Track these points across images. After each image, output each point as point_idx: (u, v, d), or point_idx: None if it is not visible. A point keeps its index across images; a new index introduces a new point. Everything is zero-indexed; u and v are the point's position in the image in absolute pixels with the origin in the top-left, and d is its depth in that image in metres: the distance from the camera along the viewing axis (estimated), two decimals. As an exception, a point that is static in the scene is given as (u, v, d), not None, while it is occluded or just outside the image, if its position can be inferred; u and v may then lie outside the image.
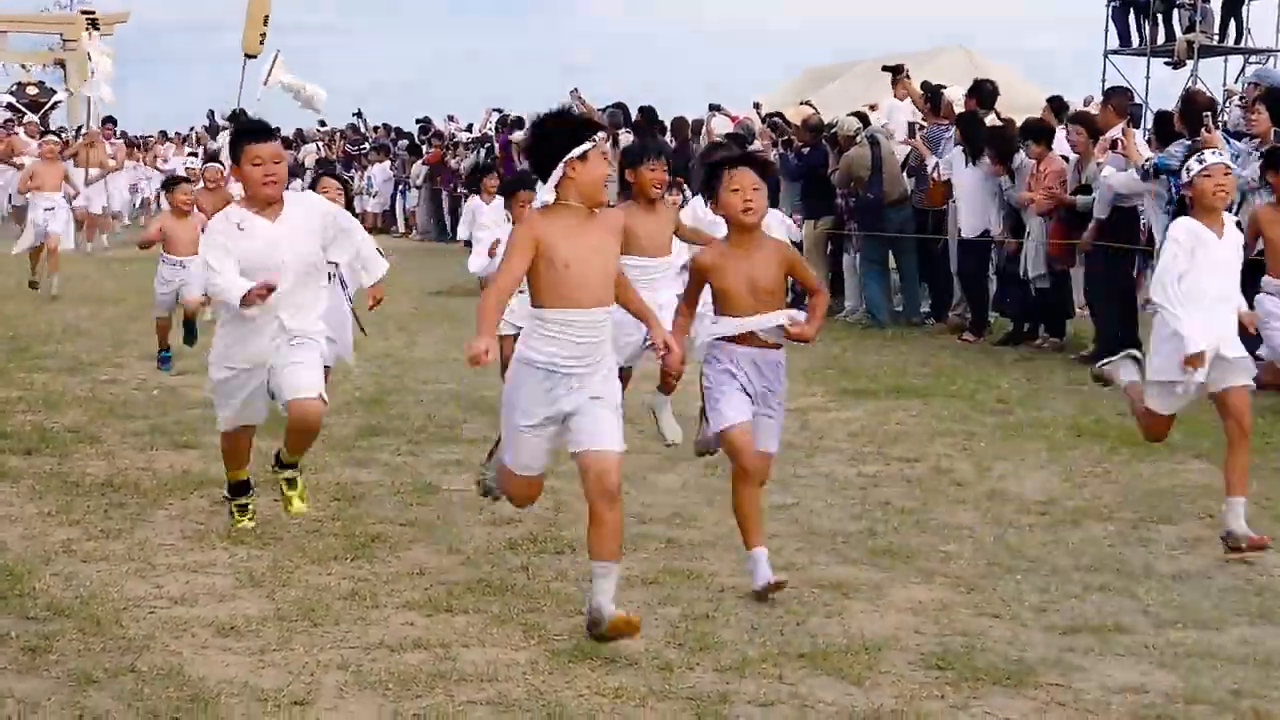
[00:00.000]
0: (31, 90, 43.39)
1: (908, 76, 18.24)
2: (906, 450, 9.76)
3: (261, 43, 24.18)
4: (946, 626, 6.15)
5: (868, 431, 10.43)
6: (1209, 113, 12.52)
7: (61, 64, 42.74)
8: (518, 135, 26.99)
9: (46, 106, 42.72)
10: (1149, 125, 15.77)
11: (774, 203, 18.64)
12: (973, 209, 15.50)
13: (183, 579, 6.62)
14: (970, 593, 6.62)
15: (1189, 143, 12.57)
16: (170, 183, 14.32)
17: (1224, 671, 5.63)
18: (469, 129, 31.83)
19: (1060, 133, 15.06)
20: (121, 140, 35.96)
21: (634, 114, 22.64)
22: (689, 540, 7.45)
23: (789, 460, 9.33)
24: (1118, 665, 5.70)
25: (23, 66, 46.55)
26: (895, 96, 19.22)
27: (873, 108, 18.54)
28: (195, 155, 31.55)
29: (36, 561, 6.80)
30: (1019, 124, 15.82)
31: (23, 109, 38.07)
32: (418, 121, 35.86)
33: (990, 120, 15.81)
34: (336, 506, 7.99)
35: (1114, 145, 13.87)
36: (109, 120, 35.43)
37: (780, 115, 20.72)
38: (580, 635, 5.89)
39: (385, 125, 37.69)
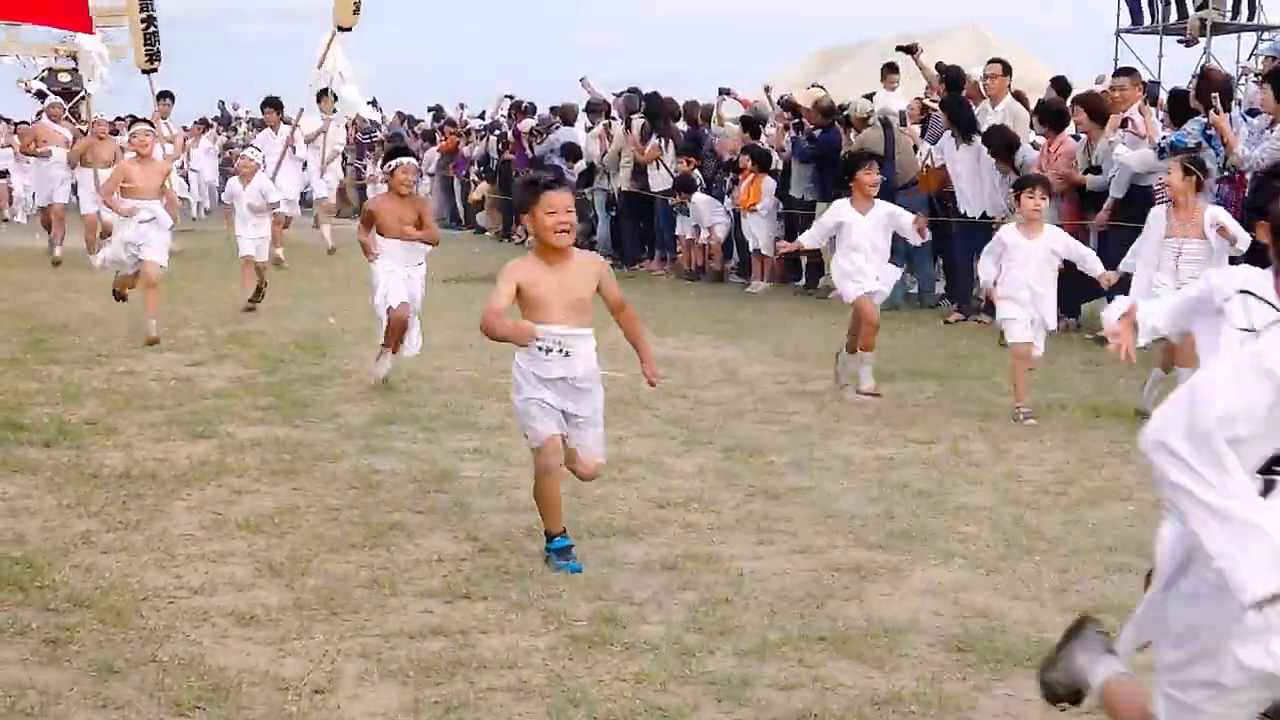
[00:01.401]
0: (64, 77, 39.87)
1: (922, 53, 18.19)
2: (923, 432, 9.75)
3: (356, 13, 22.58)
4: (966, 608, 6.14)
5: (884, 414, 10.43)
6: (1218, 93, 12.48)
7: (73, 56, 42.52)
8: (527, 123, 27.00)
9: (80, 95, 40.91)
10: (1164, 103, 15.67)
11: (784, 185, 18.74)
12: (972, 191, 15.48)
13: (202, 569, 6.63)
14: (989, 574, 6.62)
15: (1205, 120, 12.56)
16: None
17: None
18: (481, 116, 31.79)
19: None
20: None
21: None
22: (707, 525, 7.45)
23: (805, 443, 9.35)
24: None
25: (56, 53, 44.85)
26: (885, 87, 19.26)
27: (869, 96, 18.48)
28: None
29: (56, 553, 6.81)
30: (1031, 104, 15.80)
31: (54, 96, 35.53)
32: (430, 109, 35.84)
33: (1008, 103, 15.74)
34: (354, 495, 7.99)
35: (1124, 124, 13.84)
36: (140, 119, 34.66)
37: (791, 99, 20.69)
38: (600, 621, 5.90)
39: (400, 114, 37.65)
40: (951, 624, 5.94)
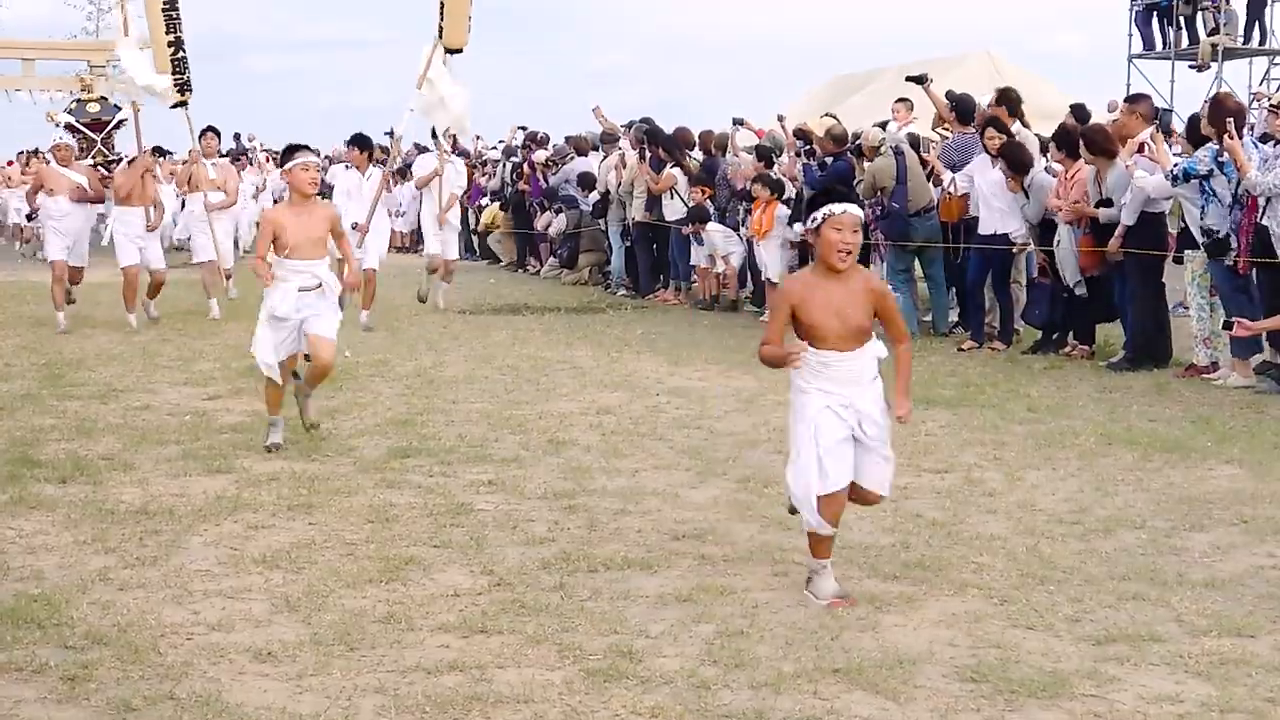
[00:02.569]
0: (93, 108, 37.47)
1: (932, 83, 18.23)
2: (937, 461, 9.76)
3: (468, 32, 18.91)
4: (980, 639, 6.15)
5: (897, 443, 10.32)
6: (1231, 118, 12.51)
7: (88, 90, 42.46)
8: (541, 154, 27.09)
9: (110, 125, 36.58)
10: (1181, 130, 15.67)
11: (798, 213, 18.74)
12: (994, 210, 15.50)
13: (219, 605, 6.65)
14: (1004, 604, 6.63)
15: (1217, 147, 12.59)
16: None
17: (1259, 680, 5.62)
18: (496, 147, 31.88)
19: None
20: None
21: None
22: (722, 556, 7.47)
23: (820, 474, 9.34)
24: (1152, 675, 5.69)
25: (83, 84, 42.35)
26: (896, 119, 19.30)
27: (883, 125, 18.51)
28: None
29: (73, 590, 6.84)
30: (1047, 132, 15.84)
31: (83, 130, 34.06)
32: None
33: (1017, 129, 15.79)
34: (370, 529, 8.02)
35: (1140, 149, 13.87)
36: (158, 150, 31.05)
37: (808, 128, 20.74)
38: (615, 655, 5.91)
39: (417, 145, 37.79)
40: (966, 655, 5.95)
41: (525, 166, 27.86)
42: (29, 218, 30.45)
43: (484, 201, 30.63)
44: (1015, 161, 14.98)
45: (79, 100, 37.67)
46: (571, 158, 25.87)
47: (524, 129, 29.94)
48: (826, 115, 21.41)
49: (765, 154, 20.02)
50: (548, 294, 23.08)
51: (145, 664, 5.83)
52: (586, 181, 24.52)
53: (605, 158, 24.28)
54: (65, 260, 18.33)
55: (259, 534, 7.91)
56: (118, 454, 10.07)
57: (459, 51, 18.86)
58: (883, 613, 6.51)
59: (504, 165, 29.39)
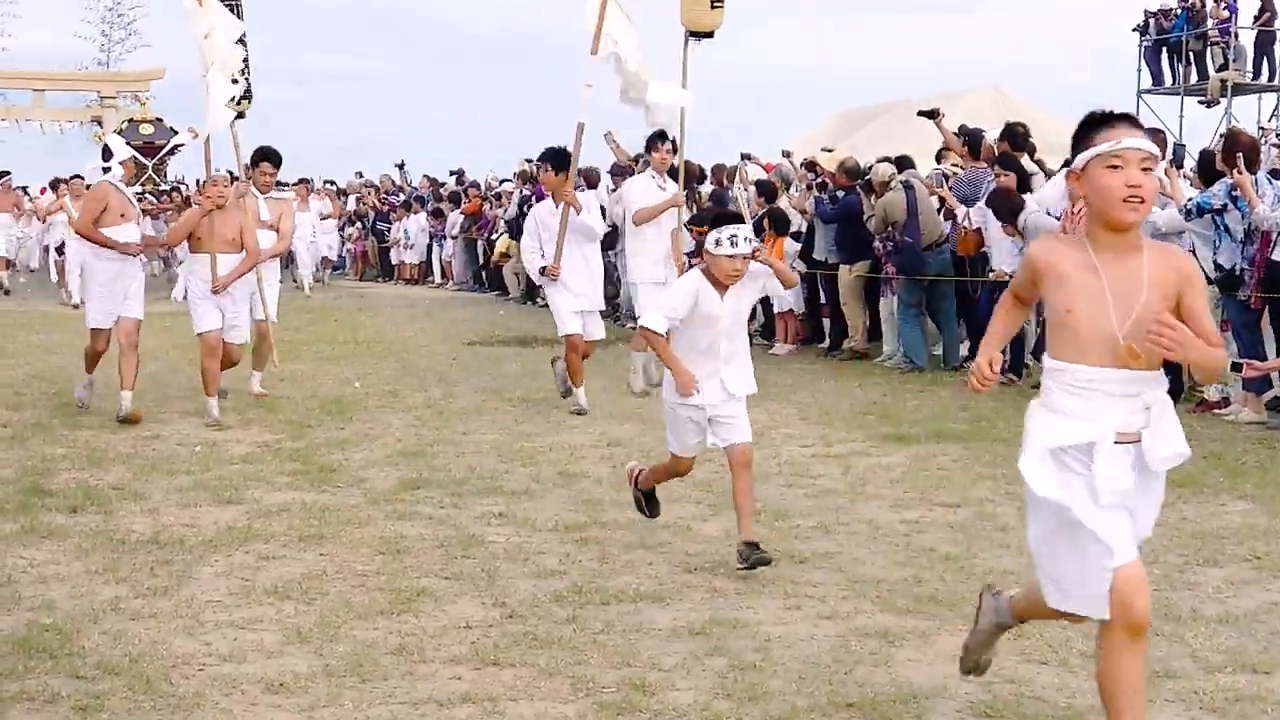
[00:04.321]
0: (146, 129, 34.88)
1: (943, 118, 18.25)
2: (949, 495, 9.74)
3: (716, 5, 13.77)
4: (994, 674, 6.11)
5: (909, 477, 10.42)
6: (1241, 153, 12.52)
7: (98, 121, 42.43)
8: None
9: (164, 151, 34.75)
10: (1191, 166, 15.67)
11: (809, 247, 18.78)
12: (1003, 246, 15.50)
13: (231, 636, 6.64)
14: (1017, 638, 6.59)
15: (1230, 181, 12.60)
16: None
17: (1274, 716, 5.60)
18: (510, 179, 31.88)
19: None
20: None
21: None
22: (734, 589, 7.45)
23: (831, 507, 9.35)
24: (1167, 711, 5.67)
25: (139, 102, 39.82)
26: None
27: (898, 162, 18.39)
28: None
29: (85, 620, 6.84)
30: (1055, 165, 15.83)
31: (134, 154, 32.21)
32: (452, 173, 36.07)
33: (1025, 163, 15.80)
34: (381, 560, 8.01)
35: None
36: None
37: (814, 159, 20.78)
38: (628, 688, 5.89)
39: (427, 176, 37.90)
40: (979, 690, 5.92)
41: (534, 198, 27.84)
42: (60, 250, 28.00)
43: (497, 234, 30.56)
44: (1003, 209, 14.97)
45: (130, 120, 35.77)
46: (581, 188, 25.89)
47: (530, 161, 29.96)
48: (824, 150, 21.48)
49: (767, 189, 20.02)
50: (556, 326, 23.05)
51: (157, 695, 5.83)
52: (595, 213, 24.51)
53: (615, 189, 24.28)
54: (109, 328, 13.38)
55: (270, 565, 7.91)
56: (128, 483, 10.07)
57: (708, 36, 14.10)
58: (896, 647, 6.49)
59: (519, 191, 29.32)
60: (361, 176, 41.06)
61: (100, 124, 41.66)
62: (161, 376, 15.85)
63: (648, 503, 8.67)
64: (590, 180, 25.97)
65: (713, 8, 14.03)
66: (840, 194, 18.09)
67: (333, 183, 38.92)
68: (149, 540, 8.44)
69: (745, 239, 7.70)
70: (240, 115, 14.82)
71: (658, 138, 14.73)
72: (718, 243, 7.65)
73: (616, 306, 24.31)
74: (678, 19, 14.06)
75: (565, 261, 13.66)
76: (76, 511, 9.19)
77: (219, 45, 13.77)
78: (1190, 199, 13.02)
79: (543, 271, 13.76)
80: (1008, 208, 14.98)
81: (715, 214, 8.30)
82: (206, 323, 12.96)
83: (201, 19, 13.65)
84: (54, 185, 32.01)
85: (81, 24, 64.38)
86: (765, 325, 20.45)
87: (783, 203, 19.70)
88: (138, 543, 8.38)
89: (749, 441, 8.06)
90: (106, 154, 13.27)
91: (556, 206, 13.77)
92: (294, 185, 31.70)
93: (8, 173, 31.70)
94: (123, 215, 13.22)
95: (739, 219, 7.95)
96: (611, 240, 23.88)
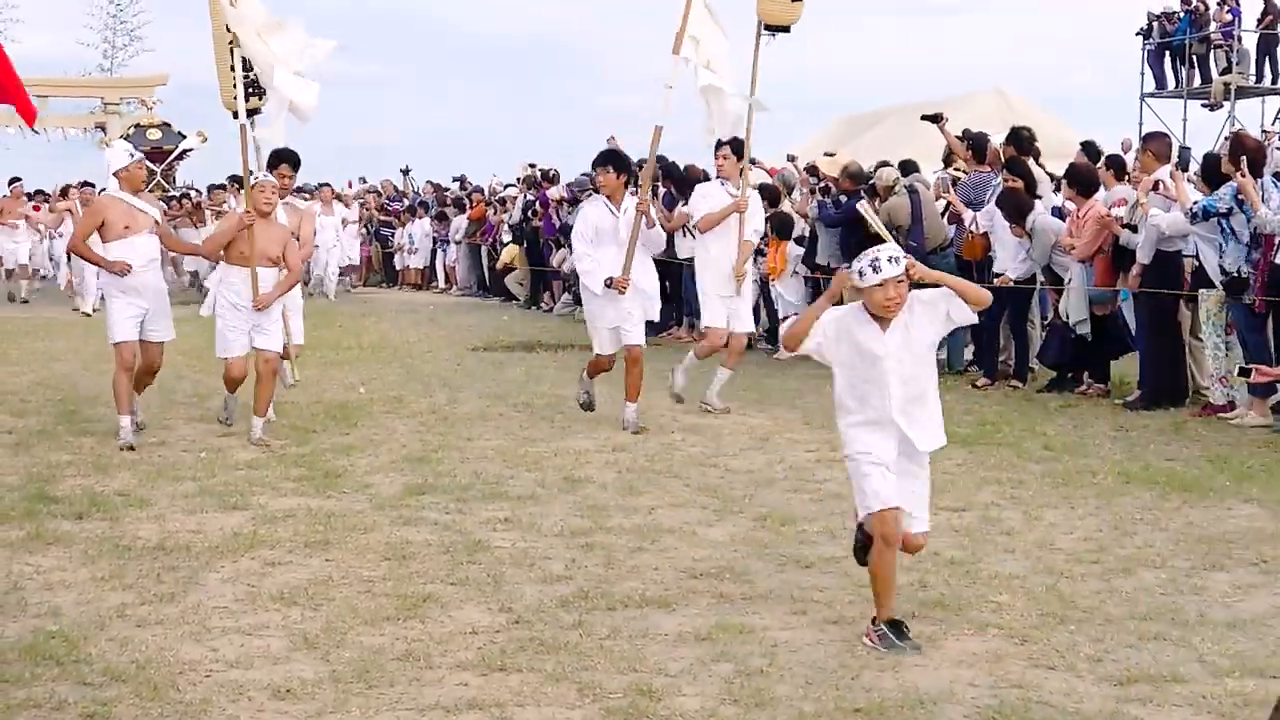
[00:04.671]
0: (153, 135, 33.17)
1: (947, 122, 18.24)
2: (954, 500, 9.73)
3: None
4: (1001, 679, 6.12)
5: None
6: (1245, 156, 12.52)
7: (102, 128, 42.33)
8: (555, 191, 27.11)
9: (173, 156, 33.32)
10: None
11: (812, 251, 18.76)
12: (1008, 250, 15.51)
13: (237, 642, 6.64)
14: (1024, 644, 6.60)
15: (1236, 185, 12.59)
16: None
17: (1283, 720, 5.59)
18: (514, 184, 31.87)
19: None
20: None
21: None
22: (740, 595, 7.45)
23: (837, 512, 9.33)
24: (1175, 716, 5.67)
25: (145, 107, 37.29)
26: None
27: (902, 166, 18.32)
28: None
29: (91, 627, 6.84)
30: (1058, 169, 15.86)
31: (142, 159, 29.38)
32: (455, 179, 36.09)
33: (1032, 167, 15.80)
34: (387, 566, 8.01)
35: (1156, 187, 13.88)
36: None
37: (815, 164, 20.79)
38: (635, 694, 5.89)
39: (431, 182, 37.89)
40: (986, 695, 5.92)
41: (538, 204, 27.86)
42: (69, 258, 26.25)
43: (501, 235, 30.50)
44: (1013, 209, 15.01)
45: (137, 125, 34.11)
46: (588, 194, 25.87)
47: (533, 166, 29.98)
48: (826, 154, 21.48)
49: (770, 193, 20.02)
50: (561, 331, 23.06)
51: (164, 701, 5.83)
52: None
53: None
54: (134, 341, 12.34)
55: (276, 571, 7.91)
56: (134, 490, 10.07)
57: (784, 30, 13.69)
58: (903, 652, 6.48)
59: (523, 196, 29.28)
60: (365, 182, 41.04)
61: (104, 130, 41.48)
62: (166, 383, 15.83)
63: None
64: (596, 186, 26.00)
65: (793, 1, 13.51)
66: (844, 198, 18.08)
67: (328, 185, 38.60)
68: (155, 547, 8.44)
69: (890, 259, 6.57)
70: (255, 111, 13.28)
71: (717, 144, 14.02)
72: (860, 274, 6.58)
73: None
74: (753, 10, 13.53)
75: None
76: (82, 518, 9.19)
77: (262, 39, 12.33)
78: (1196, 202, 13.01)
79: (609, 284, 12.65)
80: (1016, 209, 15.00)
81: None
82: (235, 348, 12.23)
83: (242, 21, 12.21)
84: (64, 192, 31.38)
85: (84, 30, 64.33)
86: (770, 330, 20.43)
87: (785, 207, 19.69)
88: (144, 549, 8.38)
89: (925, 532, 7.14)
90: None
91: (615, 211, 12.87)
92: (317, 189, 31.27)
93: (18, 179, 30.59)
94: (127, 227, 12.01)
95: (878, 240, 6.92)
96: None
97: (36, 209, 30.86)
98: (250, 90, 12.79)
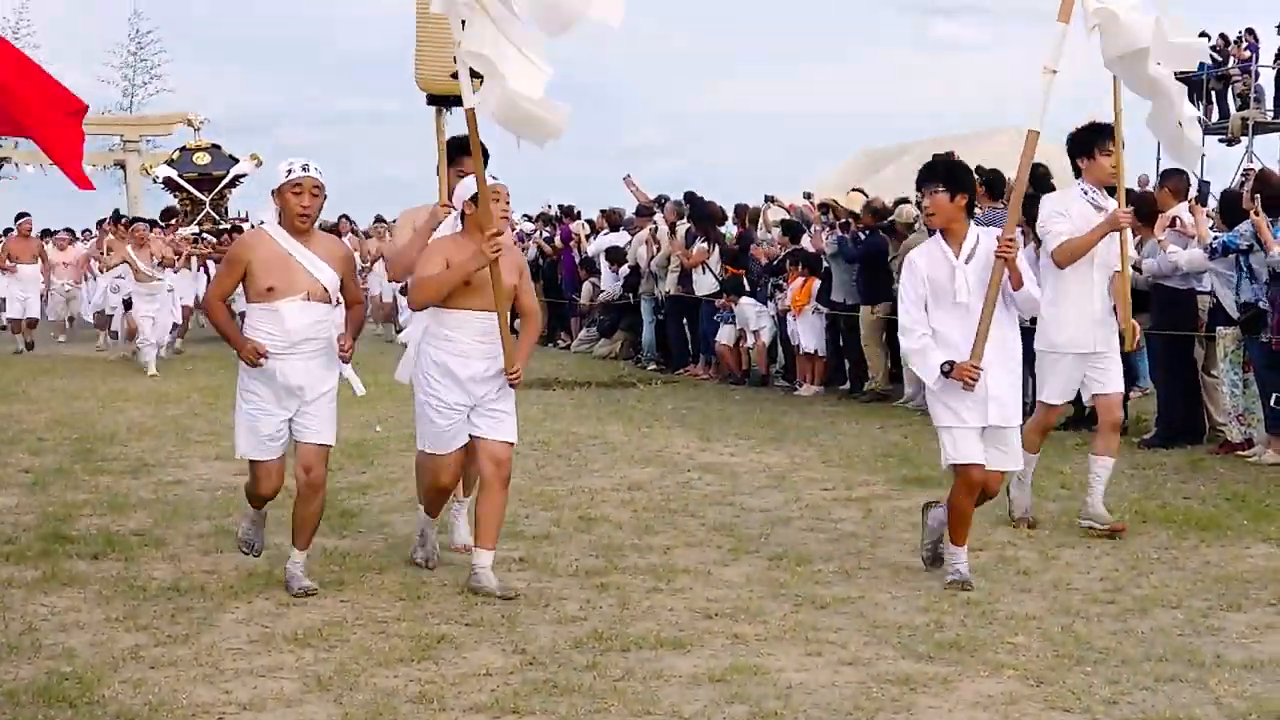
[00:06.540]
0: (201, 158, 29.36)
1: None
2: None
3: None
4: (1017, 721, 6.10)
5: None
6: (1259, 194, 12.50)
7: (122, 165, 42.36)
8: (577, 225, 27.15)
9: (224, 183, 29.04)
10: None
11: (827, 286, 18.76)
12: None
13: (250, 684, 6.64)
14: (1039, 685, 6.57)
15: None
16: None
17: (1300, 764, 5.56)
18: (531, 217, 31.82)
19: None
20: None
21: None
22: (754, 635, 7.42)
23: (853, 551, 9.32)
24: (1192, 759, 5.64)
25: (195, 133, 32.90)
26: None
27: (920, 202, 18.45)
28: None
29: (105, 668, 6.83)
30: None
31: (187, 187, 27.75)
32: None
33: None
34: (402, 606, 8.00)
35: (1173, 223, 13.87)
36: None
37: (834, 202, 20.80)
38: (648, 736, 5.87)
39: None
40: (1002, 737, 5.90)
41: (557, 239, 27.87)
42: (127, 305, 23.35)
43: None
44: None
45: (183, 149, 30.79)
46: (607, 231, 25.91)
47: (549, 206, 30.03)
48: (854, 190, 21.49)
49: (794, 230, 20.06)
50: (578, 368, 23.07)
51: (176, 744, 5.82)
52: (615, 256, 24.57)
53: (637, 231, 24.33)
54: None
55: (291, 611, 7.90)
56: (149, 529, 10.08)
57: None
58: (918, 694, 6.46)
59: (540, 230, 29.26)
60: (382, 221, 41.08)
61: (124, 168, 41.39)
62: (182, 421, 15.87)
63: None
64: (614, 222, 26.03)
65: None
66: (865, 234, 18.09)
67: (346, 217, 37.93)
68: (170, 587, 8.44)
69: None
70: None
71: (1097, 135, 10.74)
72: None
73: (639, 348, 24.29)
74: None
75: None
76: (98, 558, 9.20)
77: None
78: (1216, 238, 12.99)
79: (947, 372, 8.35)
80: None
81: None
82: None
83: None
84: (100, 225, 29.12)
85: (104, 67, 64.48)
86: (786, 367, 20.43)
87: (805, 243, 19.71)
88: (159, 590, 8.38)
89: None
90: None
91: (959, 259, 8.52)
92: (338, 221, 29.14)
93: (26, 214, 27.85)
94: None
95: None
96: (633, 283, 23.97)
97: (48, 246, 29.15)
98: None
